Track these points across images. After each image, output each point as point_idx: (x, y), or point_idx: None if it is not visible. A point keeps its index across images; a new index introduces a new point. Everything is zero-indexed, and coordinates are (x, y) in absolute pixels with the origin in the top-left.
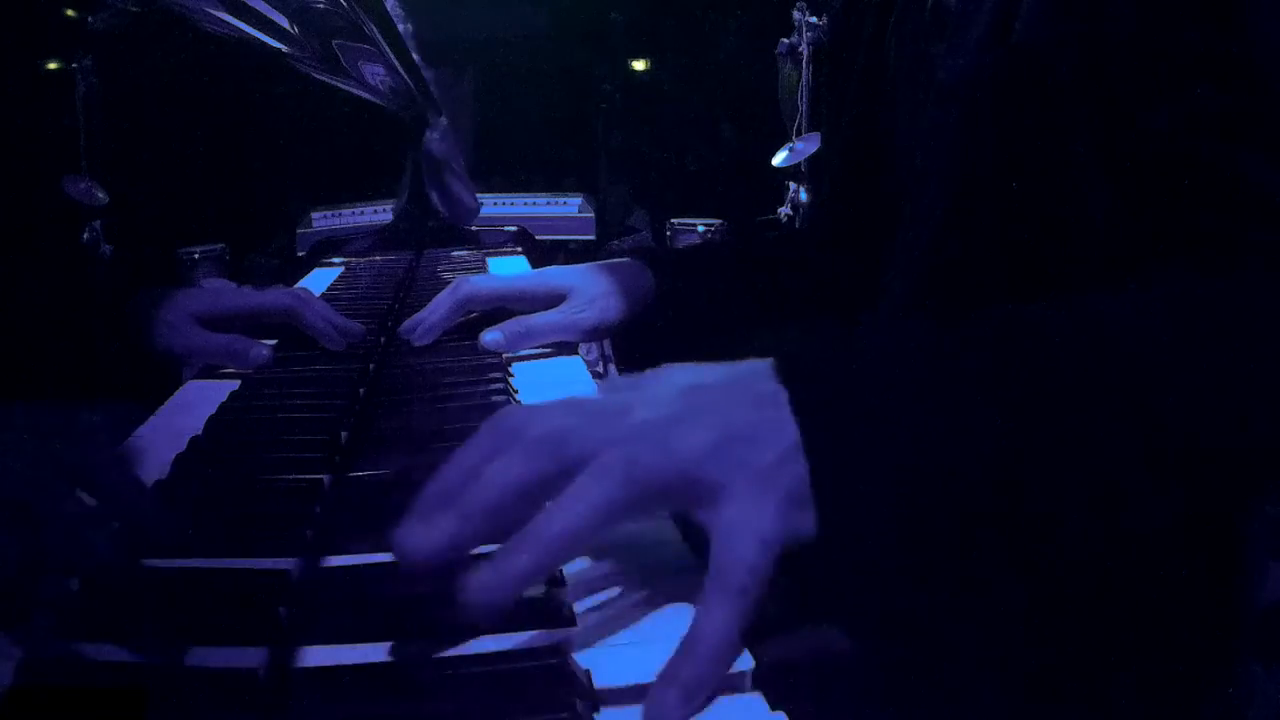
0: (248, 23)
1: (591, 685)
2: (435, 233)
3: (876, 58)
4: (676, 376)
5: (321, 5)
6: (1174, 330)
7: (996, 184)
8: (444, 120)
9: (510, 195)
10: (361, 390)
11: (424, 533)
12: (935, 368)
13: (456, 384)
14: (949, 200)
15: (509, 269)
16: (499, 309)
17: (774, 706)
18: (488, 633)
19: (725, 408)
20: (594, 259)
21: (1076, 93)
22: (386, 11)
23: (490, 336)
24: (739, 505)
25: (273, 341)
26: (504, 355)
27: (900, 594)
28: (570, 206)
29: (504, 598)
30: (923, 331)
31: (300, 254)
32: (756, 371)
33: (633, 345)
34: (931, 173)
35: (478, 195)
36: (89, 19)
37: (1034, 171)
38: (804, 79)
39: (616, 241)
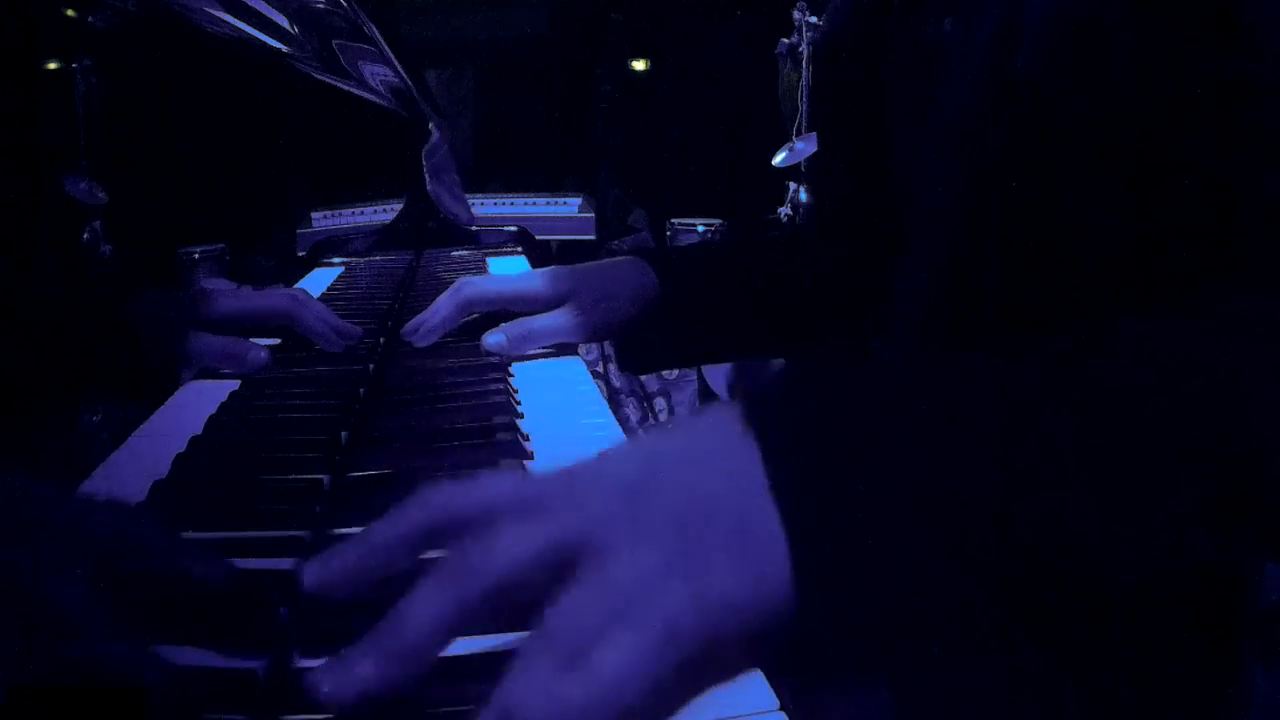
0: (248, 23)
1: None
2: (435, 233)
3: (872, 84)
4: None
5: (321, 5)
6: (1189, 355)
7: (1002, 219)
8: (436, 133)
9: (510, 195)
10: (361, 390)
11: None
12: (931, 408)
13: (457, 384)
14: (955, 237)
15: (509, 269)
16: (500, 310)
17: None
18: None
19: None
20: (594, 259)
21: (1082, 124)
22: (386, 11)
23: (493, 339)
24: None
25: (273, 342)
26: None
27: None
28: (570, 206)
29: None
30: (915, 371)
31: (300, 254)
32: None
33: (634, 346)
34: (934, 207)
35: (477, 196)
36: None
37: (1040, 205)
38: (804, 79)
39: (616, 242)
